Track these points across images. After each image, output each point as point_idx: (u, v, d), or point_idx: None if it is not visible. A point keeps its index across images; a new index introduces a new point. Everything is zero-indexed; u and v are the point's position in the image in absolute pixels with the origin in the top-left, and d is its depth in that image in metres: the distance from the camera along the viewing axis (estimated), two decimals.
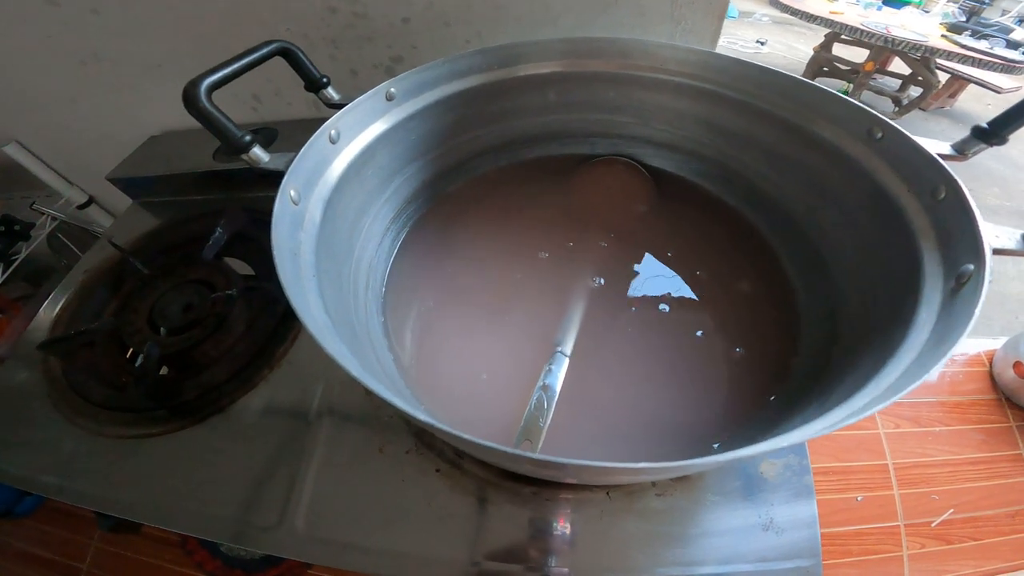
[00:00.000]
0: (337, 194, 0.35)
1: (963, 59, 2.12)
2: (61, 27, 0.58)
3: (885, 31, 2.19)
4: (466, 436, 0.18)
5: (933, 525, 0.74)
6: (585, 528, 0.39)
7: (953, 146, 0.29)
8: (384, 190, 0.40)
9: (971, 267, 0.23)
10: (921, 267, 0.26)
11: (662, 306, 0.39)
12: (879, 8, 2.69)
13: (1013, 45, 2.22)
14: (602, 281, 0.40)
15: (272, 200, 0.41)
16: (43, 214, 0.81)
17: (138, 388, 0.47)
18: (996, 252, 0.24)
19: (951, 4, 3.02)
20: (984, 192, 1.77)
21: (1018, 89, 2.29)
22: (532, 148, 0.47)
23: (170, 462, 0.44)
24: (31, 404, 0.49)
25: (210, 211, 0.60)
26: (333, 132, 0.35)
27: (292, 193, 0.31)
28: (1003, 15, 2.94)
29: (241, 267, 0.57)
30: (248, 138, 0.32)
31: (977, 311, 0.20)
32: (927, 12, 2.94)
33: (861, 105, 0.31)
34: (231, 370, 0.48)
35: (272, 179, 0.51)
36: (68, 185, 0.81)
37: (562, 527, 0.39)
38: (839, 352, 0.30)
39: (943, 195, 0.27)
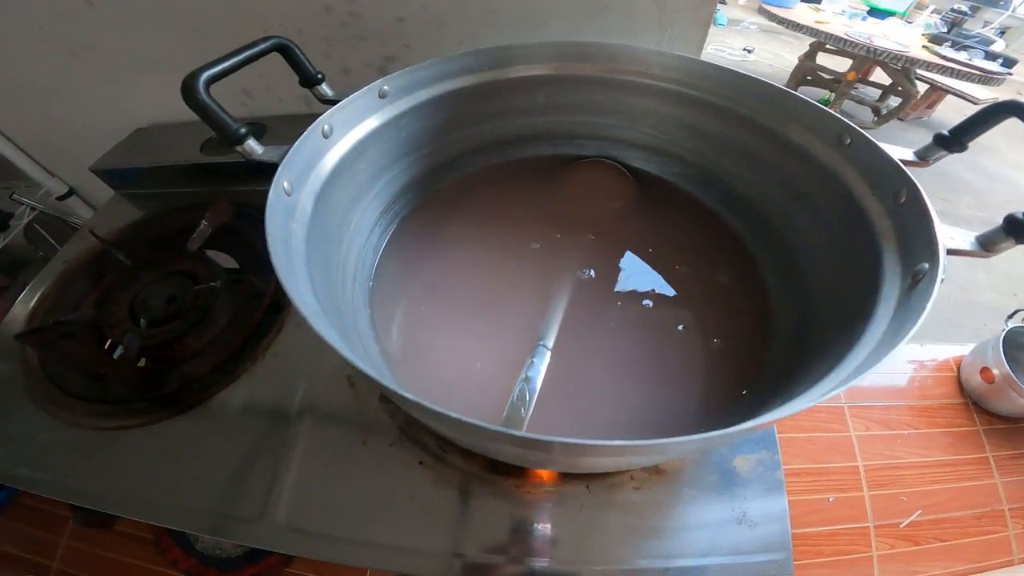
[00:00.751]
0: (328, 187, 0.36)
1: (942, 70, 2.13)
2: (53, 19, 0.58)
3: (868, 41, 2.21)
4: (451, 414, 0.19)
5: (902, 526, 0.76)
6: (566, 521, 0.39)
7: (916, 153, 0.31)
8: (374, 185, 0.41)
9: (926, 266, 0.24)
10: (882, 266, 0.27)
11: (642, 301, 0.40)
12: (864, 18, 2.72)
13: (991, 57, 2.25)
14: (586, 276, 0.41)
15: (259, 194, 0.41)
16: (22, 204, 0.80)
17: (117, 380, 0.46)
18: (951, 252, 0.25)
19: (934, 15, 3.02)
20: (958, 202, 1.80)
21: (995, 100, 2.37)
22: (521, 148, 0.48)
23: (149, 454, 0.43)
24: (6, 395, 0.48)
25: (195, 204, 0.59)
26: (326, 127, 0.36)
27: (285, 184, 0.31)
28: (984, 26, 2.94)
29: (225, 260, 0.57)
30: (243, 131, 0.32)
31: (928, 306, 0.22)
32: (910, 23, 2.95)
33: (832, 112, 0.33)
34: (214, 362, 0.47)
35: (260, 174, 0.52)
36: (48, 176, 0.80)
37: (543, 520, 0.40)
38: (808, 345, 0.32)
39: (904, 199, 0.28)
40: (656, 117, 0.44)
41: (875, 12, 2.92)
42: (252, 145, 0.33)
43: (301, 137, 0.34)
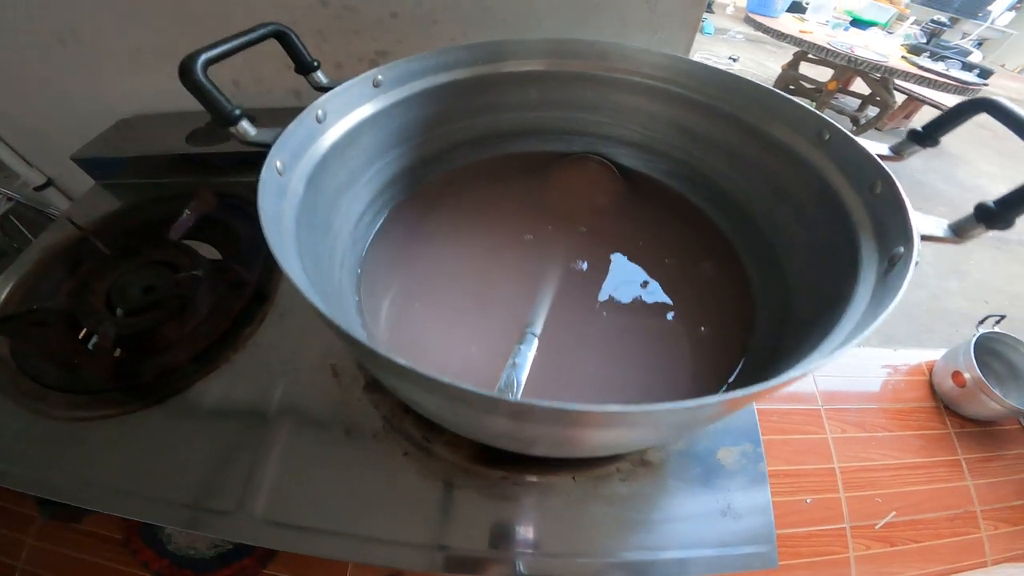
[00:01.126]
0: (319, 171, 0.35)
1: (919, 80, 2.16)
2: (42, 7, 0.57)
3: (849, 51, 2.25)
4: (441, 378, 0.19)
5: (877, 527, 0.77)
6: (552, 512, 0.39)
7: (891, 148, 0.32)
8: (365, 172, 0.41)
9: (902, 250, 0.26)
10: (859, 253, 0.28)
11: (632, 291, 0.41)
12: (846, 28, 2.77)
13: (968, 67, 2.28)
14: (576, 267, 0.42)
15: (245, 185, 0.40)
16: None
17: (91, 369, 0.45)
18: (925, 238, 0.27)
19: (914, 27, 3.07)
20: (932, 211, 1.79)
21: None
22: (511, 143, 0.48)
23: (123, 446, 0.42)
24: None
25: (178, 194, 0.58)
26: (320, 112, 0.36)
27: (278, 164, 0.31)
28: (963, 38, 2.97)
29: (208, 252, 0.56)
30: (238, 112, 0.32)
31: (906, 284, 0.23)
32: (891, 33, 2.99)
33: (812, 109, 0.35)
34: (193, 351, 0.46)
35: (246, 165, 0.51)
36: (27, 166, 0.78)
37: (529, 511, 0.40)
38: (791, 330, 0.33)
39: (880, 190, 0.29)
40: (645, 115, 0.45)
41: (857, 23, 2.98)
42: (246, 127, 0.33)
43: (295, 120, 0.34)
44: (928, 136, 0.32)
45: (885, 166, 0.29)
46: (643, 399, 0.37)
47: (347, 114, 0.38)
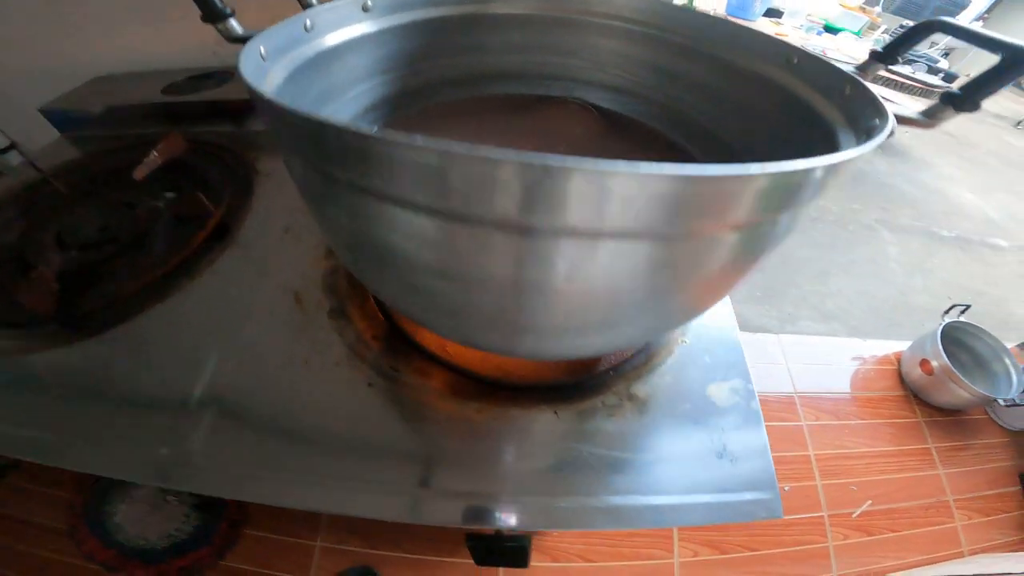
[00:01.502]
0: (301, 72, 0.35)
1: (886, 82, 2.25)
2: None
3: (821, 53, 2.42)
4: (429, 143, 0.16)
5: (854, 516, 0.76)
6: (532, 451, 0.37)
7: (856, 67, 0.35)
8: (347, 92, 0.40)
9: (877, 121, 0.26)
10: (836, 140, 0.30)
11: None
12: (819, 33, 2.98)
13: (934, 71, 2.41)
14: None
15: (218, 135, 0.35)
16: None
17: (30, 299, 0.41)
18: (898, 119, 0.28)
19: (885, 35, 3.27)
20: (897, 212, 1.85)
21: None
22: (493, 84, 0.49)
23: (57, 383, 0.38)
24: None
25: (147, 142, 0.56)
26: (308, 22, 0.35)
27: (261, 49, 0.30)
28: (932, 47, 3.10)
29: None
30: (229, 11, 0.32)
31: (885, 133, 0.23)
32: (862, 39, 3.18)
33: (779, 39, 0.37)
34: (143, 280, 0.43)
35: (221, 115, 0.48)
36: None
37: (507, 450, 0.37)
38: None
39: (848, 91, 0.31)
40: (621, 57, 0.47)
41: (830, 29, 3.20)
42: (233, 23, 0.33)
43: (282, 21, 0.33)
44: (888, 55, 0.34)
45: (850, 72, 0.31)
46: None
47: (334, 30, 0.38)
